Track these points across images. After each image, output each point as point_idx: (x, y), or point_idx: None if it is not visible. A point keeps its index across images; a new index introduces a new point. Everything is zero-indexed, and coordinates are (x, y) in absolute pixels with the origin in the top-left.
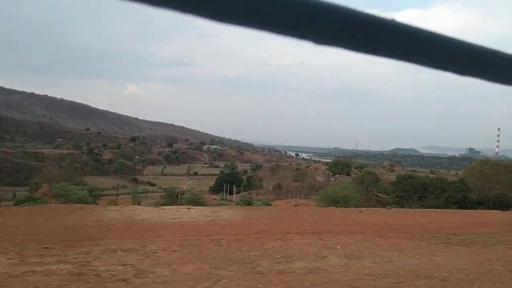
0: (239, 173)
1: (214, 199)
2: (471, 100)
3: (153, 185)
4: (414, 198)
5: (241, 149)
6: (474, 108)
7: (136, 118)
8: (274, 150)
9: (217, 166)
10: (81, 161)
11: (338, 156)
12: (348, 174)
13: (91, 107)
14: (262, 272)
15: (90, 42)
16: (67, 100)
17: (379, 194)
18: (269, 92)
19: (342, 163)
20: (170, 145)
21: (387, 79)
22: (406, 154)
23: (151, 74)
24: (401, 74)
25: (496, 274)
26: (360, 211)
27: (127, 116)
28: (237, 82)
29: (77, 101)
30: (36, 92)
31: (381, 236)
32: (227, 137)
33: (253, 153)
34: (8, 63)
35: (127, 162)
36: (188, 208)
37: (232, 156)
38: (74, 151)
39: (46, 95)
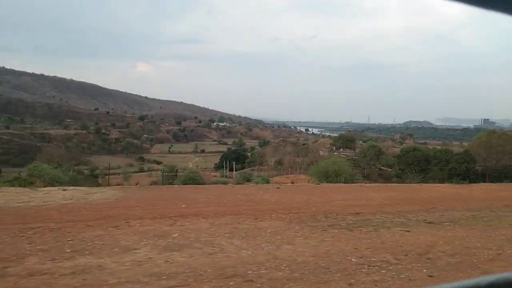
0: (244, 150)
1: (215, 176)
2: (486, 71)
3: (159, 163)
4: (414, 171)
5: (250, 125)
6: (489, 79)
7: (146, 97)
8: (284, 126)
9: (225, 143)
10: (88, 140)
11: (349, 131)
12: (353, 149)
13: (100, 87)
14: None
15: (99, 23)
16: (77, 81)
17: (382, 168)
18: (280, 67)
19: (347, 137)
20: (178, 123)
21: (401, 51)
22: (419, 126)
23: (161, 52)
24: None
25: (336, 269)
26: (278, 188)
27: (136, 95)
28: (247, 58)
29: (87, 81)
30: (46, 74)
31: (256, 218)
32: (237, 114)
33: (262, 129)
34: (18, 44)
35: (135, 141)
36: (64, 190)
37: (241, 133)
38: (81, 131)
39: (55, 76)
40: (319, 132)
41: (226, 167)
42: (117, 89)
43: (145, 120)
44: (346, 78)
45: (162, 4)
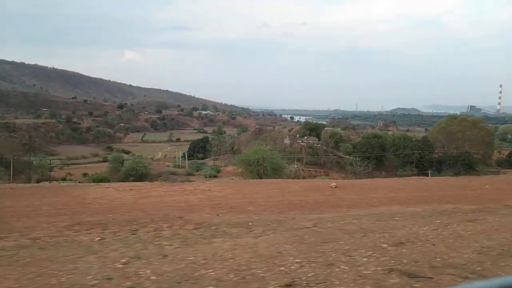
0: (219, 139)
1: (168, 166)
2: (473, 57)
3: (127, 152)
4: (356, 159)
5: (234, 114)
6: (476, 65)
7: (130, 85)
8: (269, 114)
9: (205, 132)
10: (56, 130)
11: (333, 118)
12: (317, 136)
13: (83, 75)
14: None
15: (86, 10)
16: (58, 69)
17: (341, 156)
18: (269, 55)
19: (311, 125)
20: (159, 111)
21: (390, 37)
22: (406, 113)
23: (149, 40)
24: (405, 31)
25: None
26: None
27: (120, 83)
28: (236, 45)
29: (69, 70)
30: (26, 62)
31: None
32: (224, 102)
33: (245, 117)
34: None
35: (108, 130)
36: None
37: (223, 122)
38: (50, 120)
39: (36, 64)
40: (305, 120)
41: (191, 157)
42: (101, 77)
43: (124, 109)
44: (336, 65)
45: None
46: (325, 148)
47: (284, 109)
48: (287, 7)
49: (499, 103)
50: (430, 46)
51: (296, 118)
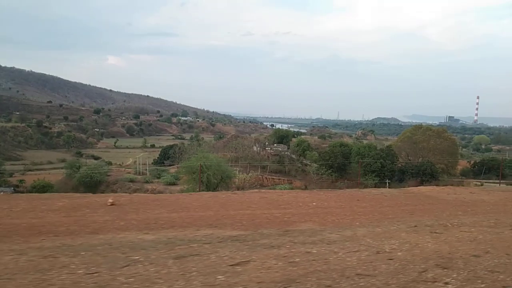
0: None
1: (128, 173)
2: (453, 69)
3: (97, 158)
4: (313, 167)
5: (213, 121)
6: (455, 77)
7: (110, 90)
8: (250, 122)
9: (182, 138)
10: (25, 134)
11: (313, 127)
12: (286, 144)
13: (62, 79)
14: None
15: (69, 14)
16: (36, 73)
17: (307, 164)
18: (253, 62)
19: (281, 133)
20: (136, 117)
21: (372, 48)
22: (386, 123)
23: (133, 45)
24: (387, 43)
25: None
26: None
27: (101, 88)
28: (221, 53)
29: (48, 73)
30: (3, 64)
31: None
32: (206, 109)
33: (225, 124)
34: None
35: (81, 135)
36: None
37: (203, 128)
38: (20, 124)
39: (13, 67)
40: (286, 128)
41: (161, 163)
42: (81, 81)
43: (101, 114)
44: (319, 74)
45: None
46: (293, 156)
47: (267, 117)
48: (272, 16)
49: (476, 114)
50: (411, 58)
51: (277, 126)
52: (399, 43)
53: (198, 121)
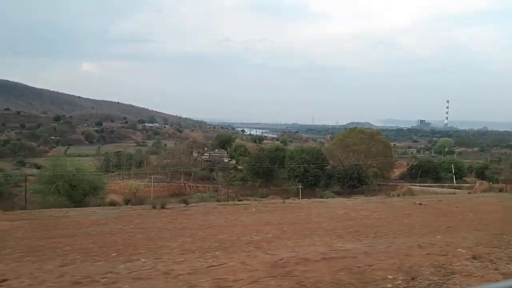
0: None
1: None
2: (425, 74)
3: (39, 167)
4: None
5: (181, 127)
6: (426, 81)
7: (79, 97)
8: (222, 127)
9: (145, 145)
10: None
11: (284, 132)
12: (226, 149)
13: (27, 86)
14: None
15: (42, 19)
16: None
17: (242, 169)
18: (230, 69)
19: (223, 137)
20: (99, 124)
21: (346, 55)
22: (359, 128)
23: (107, 51)
24: (361, 50)
25: None
26: None
27: (69, 95)
28: (197, 59)
29: (12, 80)
30: None
31: None
32: (179, 115)
33: (193, 130)
34: None
35: (32, 143)
36: None
37: (169, 134)
38: None
39: None
40: (260, 133)
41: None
42: (48, 88)
43: (61, 121)
44: (294, 80)
45: (110, 1)
46: (227, 160)
47: (243, 123)
48: (249, 23)
49: (446, 118)
50: (385, 64)
51: (248, 132)
52: (373, 50)
53: (165, 127)
